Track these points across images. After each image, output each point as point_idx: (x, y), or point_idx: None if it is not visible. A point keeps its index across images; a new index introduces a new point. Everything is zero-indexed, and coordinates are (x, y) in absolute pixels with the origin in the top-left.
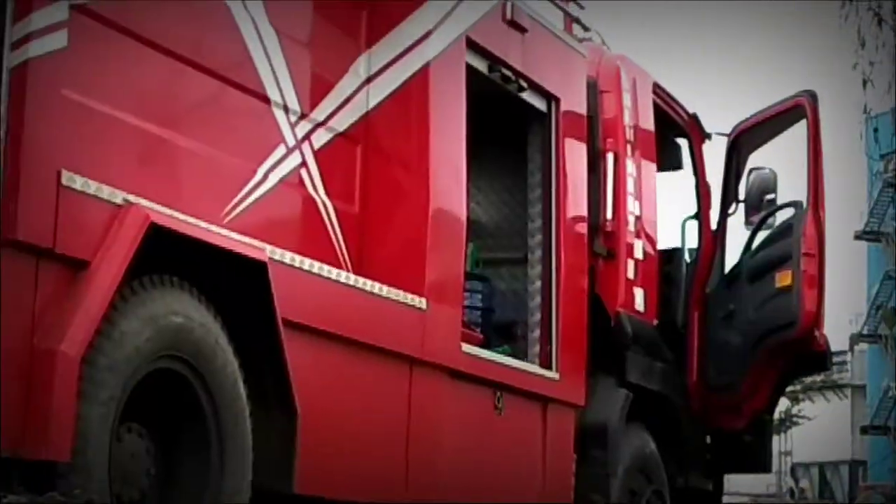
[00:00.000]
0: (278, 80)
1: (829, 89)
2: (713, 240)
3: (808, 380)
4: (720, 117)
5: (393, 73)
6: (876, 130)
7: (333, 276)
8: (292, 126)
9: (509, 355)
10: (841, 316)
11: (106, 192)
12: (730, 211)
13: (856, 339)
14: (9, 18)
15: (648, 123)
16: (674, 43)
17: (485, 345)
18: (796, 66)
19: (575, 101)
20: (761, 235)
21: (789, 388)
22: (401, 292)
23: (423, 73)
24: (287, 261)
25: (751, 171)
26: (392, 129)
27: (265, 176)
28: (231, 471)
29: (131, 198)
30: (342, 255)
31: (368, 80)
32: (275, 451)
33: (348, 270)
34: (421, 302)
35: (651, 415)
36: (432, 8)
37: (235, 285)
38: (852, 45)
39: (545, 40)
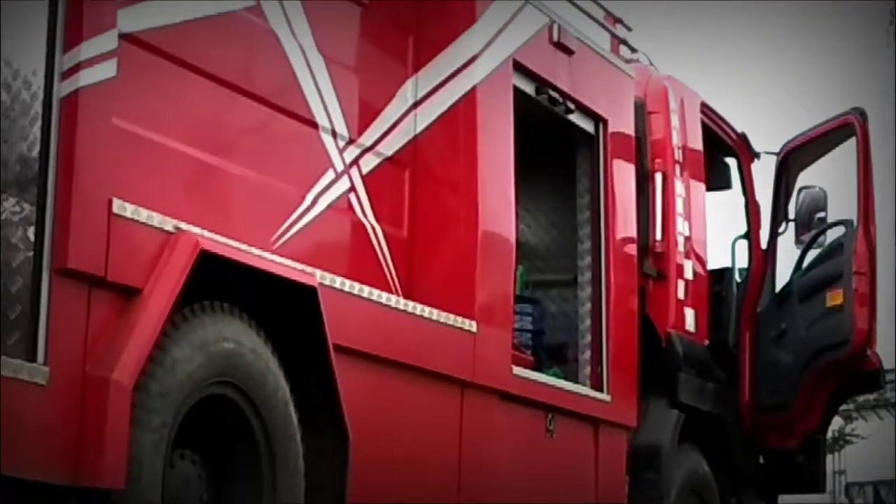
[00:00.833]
0: (326, 106)
1: (879, 107)
2: (763, 259)
3: (862, 398)
4: (769, 136)
5: (440, 96)
6: None
7: (383, 301)
8: (340, 151)
9: (560, 377)
10: (893, 334)
11: (156, 219)
12: (780, 230)
13: None
14: (59, 48)
15: (697, 143)
16: (722, 63)
17: (535, 367)
18: (846, 84)
19: (623, 122)
20: (812, 254)
21: (842, 407)
22: (451, 315)
23: (470, 97)
24: (337, 285)
25: (801, 189)
26: (440, 153)
27: (314, 201)
28: (283, 496)
29: (182, 225)
30: (392, 278)
31: (416, 104)
32: (326, 476)
33: (398, 294)
34: (471, 325)
35: (703, 435)
36: (478, 31)
37: (286, 310)
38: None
39: (592, 62)
